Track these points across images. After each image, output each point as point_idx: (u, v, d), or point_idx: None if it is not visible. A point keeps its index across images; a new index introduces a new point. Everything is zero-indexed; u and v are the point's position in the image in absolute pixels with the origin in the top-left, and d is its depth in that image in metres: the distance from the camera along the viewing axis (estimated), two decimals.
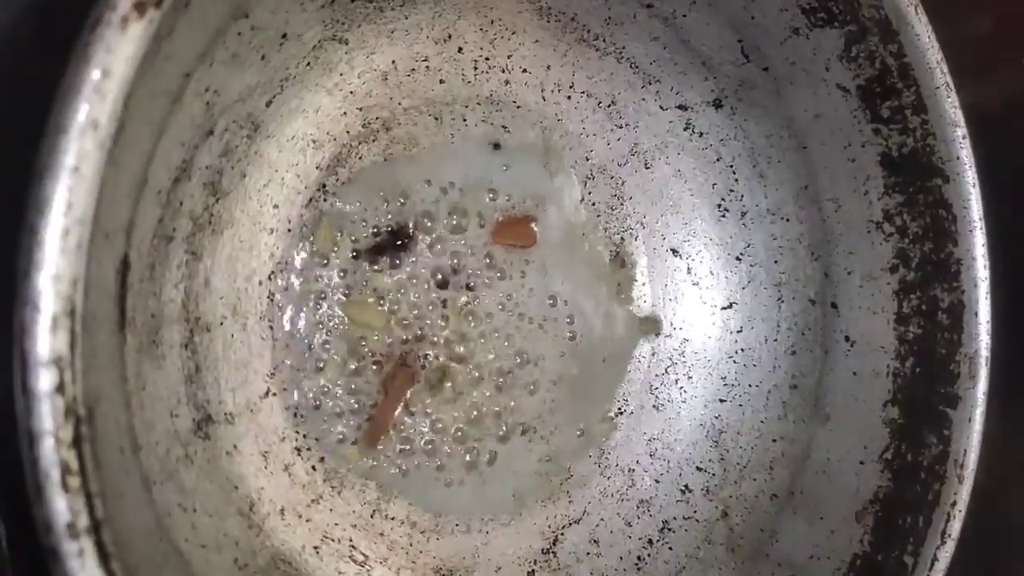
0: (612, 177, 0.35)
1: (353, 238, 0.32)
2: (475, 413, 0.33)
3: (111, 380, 0.21)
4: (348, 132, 0.32)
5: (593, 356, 0.35)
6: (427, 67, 0.33)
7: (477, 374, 0.33)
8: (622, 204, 0.35)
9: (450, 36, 0.33)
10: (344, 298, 0.32)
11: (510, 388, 0.34)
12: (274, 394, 0.30)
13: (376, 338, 0.32)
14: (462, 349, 0.33)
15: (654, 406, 0.35)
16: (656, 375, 0.36)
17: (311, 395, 0.31)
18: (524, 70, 0.34)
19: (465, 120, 0.33)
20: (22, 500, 0.17)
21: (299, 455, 0.31)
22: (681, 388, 0.35)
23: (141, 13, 0.18)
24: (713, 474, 0.34)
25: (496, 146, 0.34)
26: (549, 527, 0.34)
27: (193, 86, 0.24)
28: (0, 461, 0.19)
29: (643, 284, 0.36)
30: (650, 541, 0.34)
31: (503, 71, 0.34)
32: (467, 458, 0.33)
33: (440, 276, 0.33)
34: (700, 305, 0.36)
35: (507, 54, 0.33)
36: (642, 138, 0.35)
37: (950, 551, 0.28)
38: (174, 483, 0.25)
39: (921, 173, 0.29)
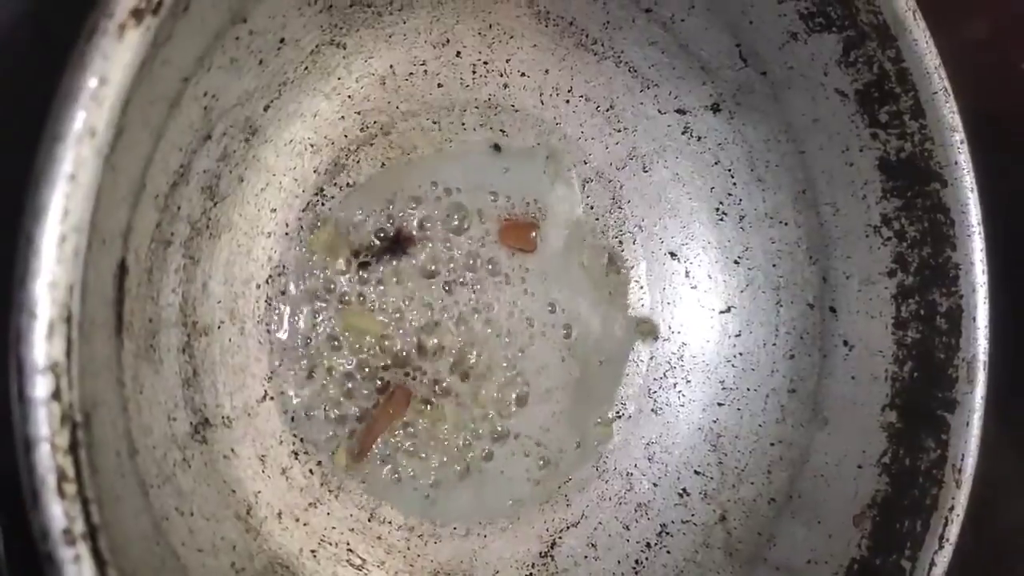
0: (610, 181, 0.35)
1: (351, 242, 0.32)
2: (473, 416, 0.33)
3: (108, 385, 0.21)
4: (346, 136, 0.32)
5: (591, 360, 0.35)
6: (425, 71, 0.33)
7: (474, 378, 0.33)
8: (620, 208, 0.35)
9: (448, 40, 0.33)
10: (341, 303, 0.32)
11: (509, 392, 0.34)
12: (271, 398, 0.30)
13: (373, 342, 0.32)
14: (459, 353, 0.33)
15: (652, 410, 0.35)
16: (654, 379, 0.36)
17: (308, 399, 0.31)
18: (523, 74, 0.34)
19: (464, 124, 0.33)
20: (18, 506, 0.17)
21: (296, 459, 0.31)
22: (679, 392, 0.35)
23: (138, 20, 0.18)
24: (711, 478, 0.34)
25: (496, 147, 0.34)
26: (547, 531, 0.34)
27: (191, 91, 0.24)
28: None
29: (641, 288, 0.36)
30: (648, 545, 0.34)
31: (501, 75, 0.34)
32: (465, 461, 0.33)
33: (437, 280, 0.33)
34: (698, 309, 0.36)
35: (505, 58, 0.33)
36: (640, 142, 0.35)
37: (948, 555, 0.28)
38: (171, 487, 0.25)
39: (919, 178, 0.29)
